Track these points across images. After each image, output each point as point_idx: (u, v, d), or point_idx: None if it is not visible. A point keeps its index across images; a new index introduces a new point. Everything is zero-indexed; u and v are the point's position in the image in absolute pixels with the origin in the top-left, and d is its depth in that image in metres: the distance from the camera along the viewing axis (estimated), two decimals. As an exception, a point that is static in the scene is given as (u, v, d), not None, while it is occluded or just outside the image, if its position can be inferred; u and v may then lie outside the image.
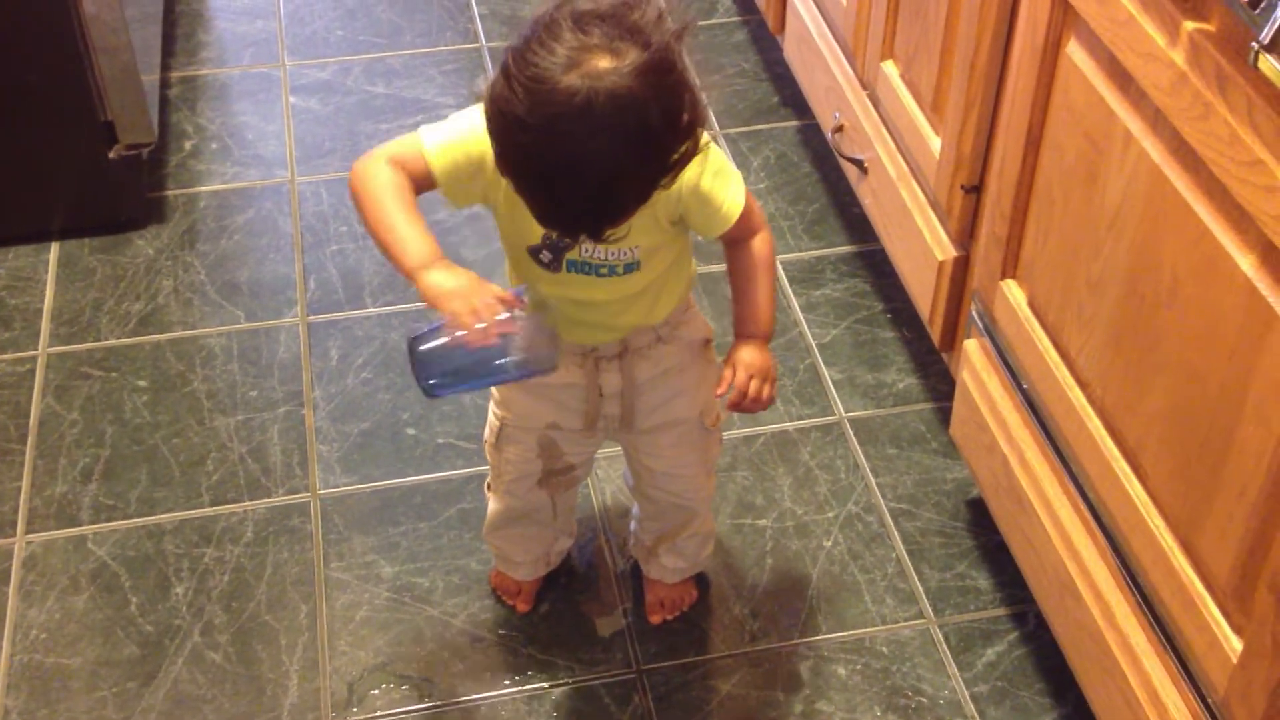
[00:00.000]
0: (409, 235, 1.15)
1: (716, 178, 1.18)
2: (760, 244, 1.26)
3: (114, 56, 1.86)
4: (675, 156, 1.07)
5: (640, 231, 1.17)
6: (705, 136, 1.14)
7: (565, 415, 1.33)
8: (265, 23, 2.44)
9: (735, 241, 1.26)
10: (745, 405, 1.27)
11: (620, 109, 1.01)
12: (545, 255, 1.20)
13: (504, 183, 1.13)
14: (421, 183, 1.18)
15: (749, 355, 1.27)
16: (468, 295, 1.10)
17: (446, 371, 1.13)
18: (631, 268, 1.21)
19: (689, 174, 1.13)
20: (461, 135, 1.16)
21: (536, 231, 1.17)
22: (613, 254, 1.19)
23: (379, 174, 1.17)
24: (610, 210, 1.07)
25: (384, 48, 2.37)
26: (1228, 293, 1.00)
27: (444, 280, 1.12)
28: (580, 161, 1.02)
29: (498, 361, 1.12)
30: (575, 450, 1.38)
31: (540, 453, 1.37)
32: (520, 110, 1.02)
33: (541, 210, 1.09)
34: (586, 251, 1.19)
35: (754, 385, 1.26)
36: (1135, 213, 1.12)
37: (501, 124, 1.05)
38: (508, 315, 1.10)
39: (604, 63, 1.01)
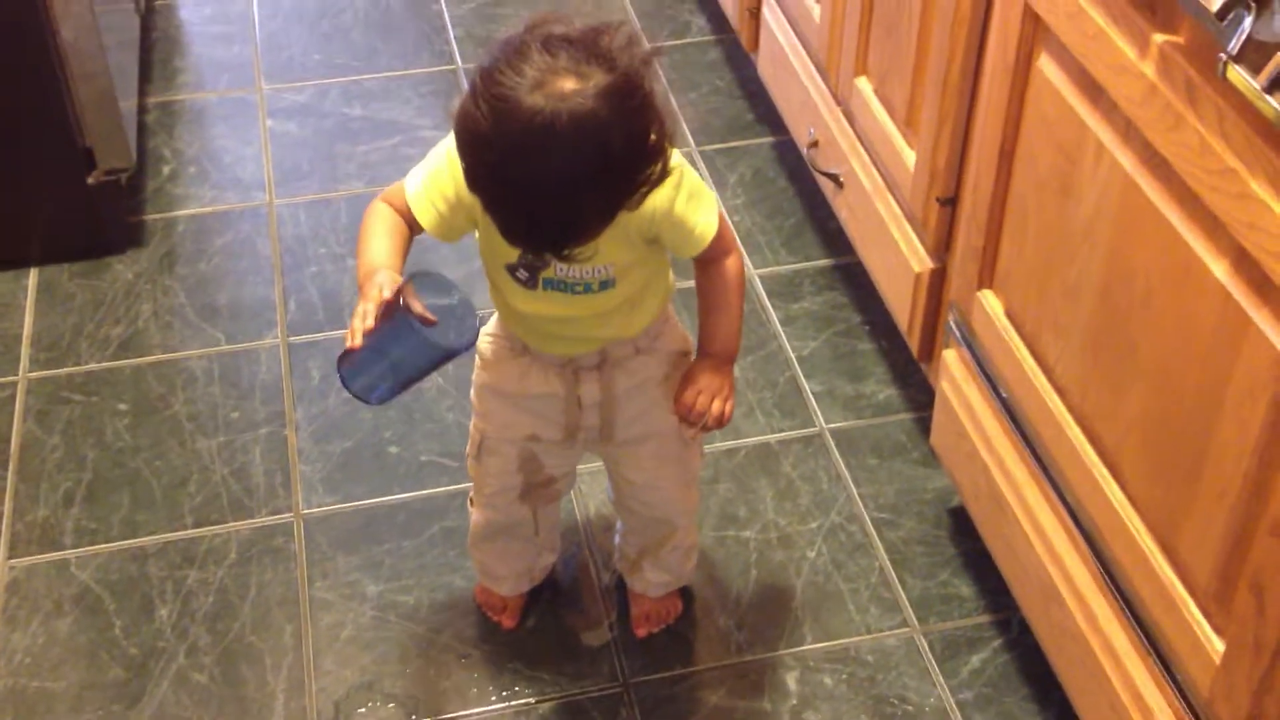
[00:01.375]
0: (365, 254, 1.19)
1: (690, 200, 1.20)
2: (731, 265, 1.28)
3: (91, 82, 1.86)
4: (640, 179, 1.09)
5: (613, 249, 1.18)
6: (679, 158, 1.16)
7: (545, 426, 1.33)
8: (242, 47, 2.44)
9: (707, 262, 1.28)
10: (692, 418, 1.28)
11: (581, 130, 1.02)
12: (522, 274, 1.22)
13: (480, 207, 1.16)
14: (415, 225, 1.23)
15: (704, 373, 1.29)
16: (362, 299, 1.13)
17: (360, 376, 1.13)
18: (607, 285, 1.22)
19: (662, 196, 1.15)
20: (436, 173, 1.19)
21: (512, 250, 1.18)
22: (587, 272, 1.20)
23: (372, 210, 1.23)
24: (573, 230, 1.08)
25: (360, 70, 2.38)
26: (1201, 298, 1.02)
27: (362, 286, 1.15)
28: (541, 180, 1.04)
29: (398, 351, 1.12)
30: (555, 462, 1.39)
31: (520, 465, 1.37)
32: (485, 128, 1.04)
33: (506, 228, 1.10)
34: (561, 270, 1.20)
35: (702, 400, 1.27)
36: (1108, 222, 1.14)
37: (468, 141, 1.07)
38: (394, 308, 1.10)
39: (569, 84, 1.03)
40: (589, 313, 1.24)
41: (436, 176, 1.20)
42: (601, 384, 1.30)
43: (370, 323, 1.11)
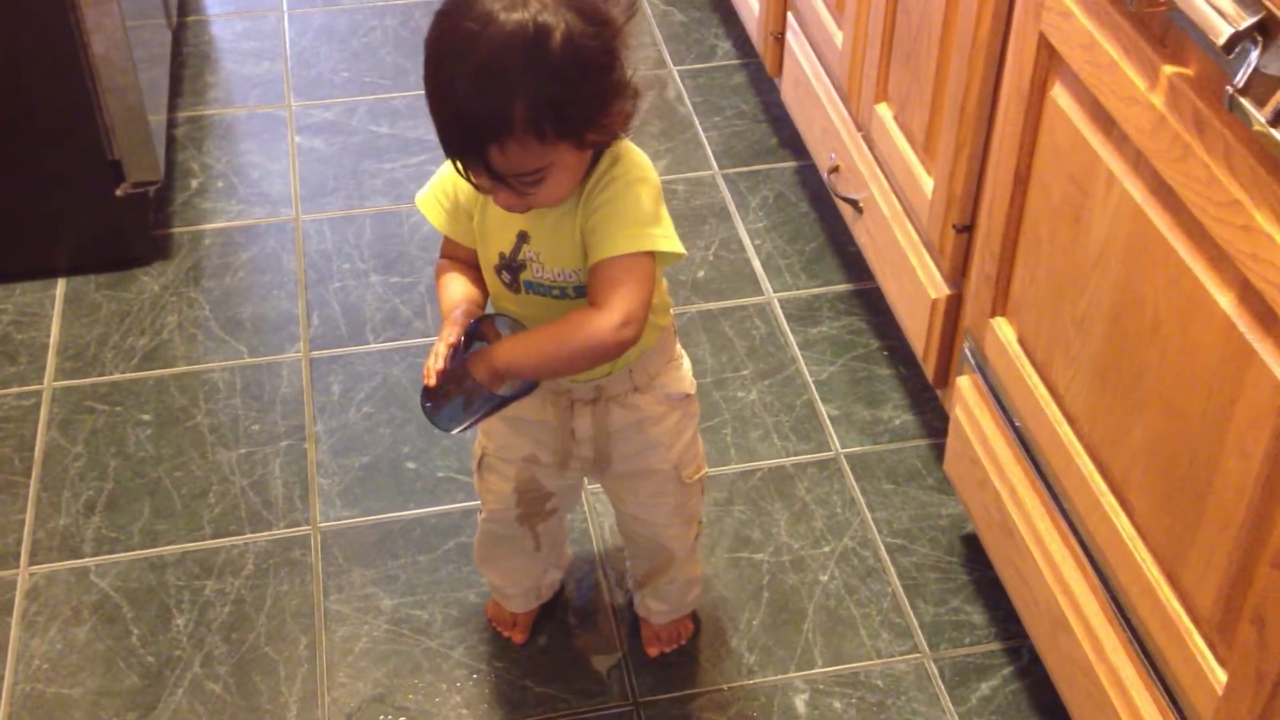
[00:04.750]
0: (442, 299, 1.25)
1: (637, 208, 1.13)
2: (597, 322, 1.12)
3: (122, 96, 1.89)
4: (579, 96, 1.07)
5: (570, 251, 1.17)
6: (657, 191, 1.15)
7: (541, 450, 1.34)
8: (272, 64, 2.48)
9: (591, 290, 1.15)
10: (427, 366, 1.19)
11: (524, 6, 1.04)
12: (505, 275, 1.23)
13: (476, 207, 1.21)
14: (449, 241, 1.27)
15: (474, 361, 1.17)
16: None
17: (436, 410, 1.19)
18: (583, 290, 1.19)
19: (614, 187, 1.14)
20: (441, 179, 1.24)
21: (499, 248, 1.21)
22: (559, 274, 1.20)
23: (437, 268, 1.29)
24: (494, 112, 1.04)
25: (389, 89, 2.41)
26: (1207, 330, 1.02)
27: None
28: (466, 39, 1.04)
29: (461, 392, 1.17)
30: (553, 484, 1.39)
31: (519, 484, 1.38)
32: (436, 20, 1.08)
33: (435, 111, 1.09)
34: (537, 271, 1.20)
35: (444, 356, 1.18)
36: (1118, 252, 1.14)
37: (427, 34, 1.09)
38: (458, 353, 1.16)
39: None
40: None
41: (440, 180, 1.24)
42: (595, 419, 1.29)
43: (441, 364, 1.16)
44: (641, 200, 1.14)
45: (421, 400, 1.19)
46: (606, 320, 1.12)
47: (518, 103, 1.05)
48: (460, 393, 1.17)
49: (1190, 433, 1.06)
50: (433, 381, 1.15)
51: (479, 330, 1.19)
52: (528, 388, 1.20)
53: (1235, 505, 1.01)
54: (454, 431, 1.22)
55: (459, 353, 1.16)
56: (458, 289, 1.25)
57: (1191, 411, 1.06)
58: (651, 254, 1.14)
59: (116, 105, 1.89)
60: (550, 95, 1.05)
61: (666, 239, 1.15)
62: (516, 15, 1.04)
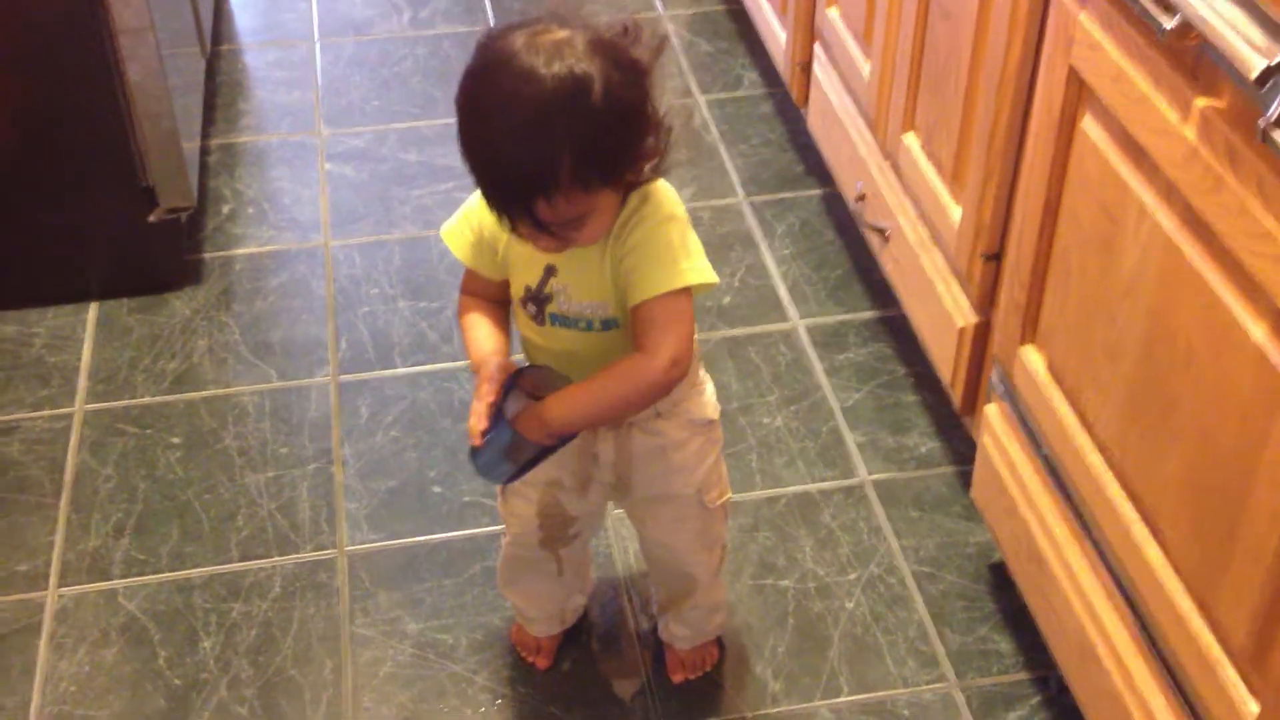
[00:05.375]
0: (469, 345, 1.27)
1: (669, 248, 1.15)
2: (645, 367, 1.15)
3: (156, 123, 1.91)
4: (622, 141, 1.09)
5: (599, 285, 1.19)
6: (688, 228, 1.17)
7: (563, 473, 1.34)
8: (303, 93, 2.50)
9: (635, 335, 1.17)
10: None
11: (561, 64, 1.05)
12: (530, 307, 1.24)
13: (501, 241, 1.21)
14: (488, 291, 1.28)
15: (523, 416, 1.20)
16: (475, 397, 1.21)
17: (489, 464, 1.22)
18: (609, 324, 1.22)
19: (647, 226, 1.15)
20: (467, 212, 1.25)
21: (527, 279, 1.22)
22: (585, 307, 1.21)
23: (459, 306, 1.30)
24: (542, 167, 1.05)
25: (418, 117, 2.43)
26: (1240, 360, 1.02)
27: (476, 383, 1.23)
28: (510, 98, 1.05)
29: (502, 445, 1.21)
30: (576, 508, 1.39)
31: (541, 508, 1.38)
32: (472, 66, 1.09)
33: (482, 175, 1.10)
34: (563, 304, 1.21)
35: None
36: (1150, 282, 1.14)
37: (460, 90, 1.10)
38: (498, 412, 1.20)
39: (560, 34, 1.07)
40: (596, 353, 1.23)
41: (466, 213, 1.25)
42: (617, 444, 1.30)
43: (484, 424, 1.18)
44: (671, 238, 1.17)
45: (471, 457, 1.22)
46: (656, 364, 1.15)
47: (565, 157, 1.06)
48: (509, 447, 1.20)
49: (1222, 462, 1.06)
50: (479, 442, 1.19)
51: (515, 384, 1.21)
52: (562, 442, 1.23)
53: (1268, 535, 1.01)
54: (505, 481, 1.27)
55: (499, 411, 1.19)
56: (483, 335, 1.26)
57: (1223, 441, 1.05)
58: (688, 288, 1.17)
59: (150, 132, 1.92)
60: (594, 146, 1.07)
61: (696, 271, 1.17)
62: (556, 69, 1.05)
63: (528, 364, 1.26)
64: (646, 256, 1.16)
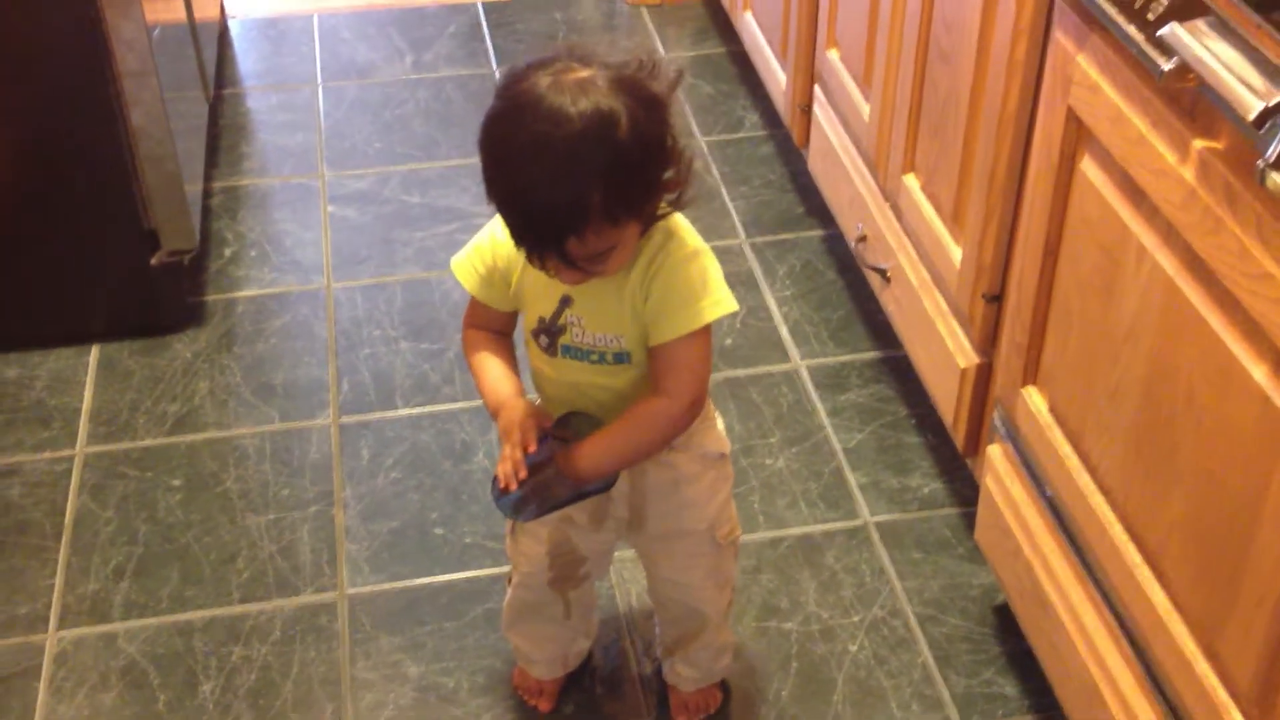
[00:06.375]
0: (483, 384, 1.28)
1: (691, 287, 1.18)
2: (661, 409, 1.20)
3: (159, 167, 1.92)
4: (647, 176, 1.11)
5: (615, 317, 1.20)
6: (712, 261, 1.18)
7: (576, 510, 1.34)
8: (306, 135, 2.51)
9: (653, 375, 1.21)
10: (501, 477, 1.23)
11: (588, 103, 1.06)
12: (543, 339, 1.25)
13: (515, 273, 1.22)
14: (493, 322, 1.29)
15: (568, 456, 1.22)
16: (505, 442, 1.22)
17: (519, 504, 1.24)
18: (622, 358, 1.23)
19: (673, 260, 1.17)
20: (478, 245, 1.26)
21: (539, 312, 1.23)
22: (599, 339, 1.22)
23: (464, 341, 1.31)
24: (575, 207, 1.07)
25: (420, 159, 2.44)
26: (1242, 402, 1.02)
27: (501, 426, 1.24)
28: (542, 140, 1.06)
29: (544, 492, 1.23)
30: (587, 546, 1.39)
31: (552, 547, 1.38)
32: (497, 109, 1.10)
33: (512, 216, 1.12)
34: (577, 336, 1.22)
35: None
36: (1150, 323, 1.14)
37: (484, 131, 1.11)
38: (536, 454, 1.21)
39: (582, 73, 1.08)
40: (608, 385, 1.24)
41: (478, 247, 1.26)
42: (632, 477, 1.30)
43: (523, 473, 1.20)
44: (693, 277, 1.19)
45: (495, 497, 1.23)
46: (675, 407, 1.21)
47: (596, 195, 1.07)
48: (542, 489, 1.22)
49: (1227, 504, 1.06)
50: (513, 486, 1.21)
51: (550, 433, 1.23)
52: (603, 487, 1.25)
53: (1273, 578, 1.00)
54: (529, 520, 1.28)
55: (534, 459, 1.21)
56: (497, 375, 1.27)
57: (1227, 484, 1.05)
58: (708, 325, 1.20)
59: (153, 175, 1.92)
60: (623, 181, 1.09)
61: (715, 307, 1.20)
62: (584, 107, 1.06)
63: (559, 414, 1.26)
64: (669, 297, 1.18)
